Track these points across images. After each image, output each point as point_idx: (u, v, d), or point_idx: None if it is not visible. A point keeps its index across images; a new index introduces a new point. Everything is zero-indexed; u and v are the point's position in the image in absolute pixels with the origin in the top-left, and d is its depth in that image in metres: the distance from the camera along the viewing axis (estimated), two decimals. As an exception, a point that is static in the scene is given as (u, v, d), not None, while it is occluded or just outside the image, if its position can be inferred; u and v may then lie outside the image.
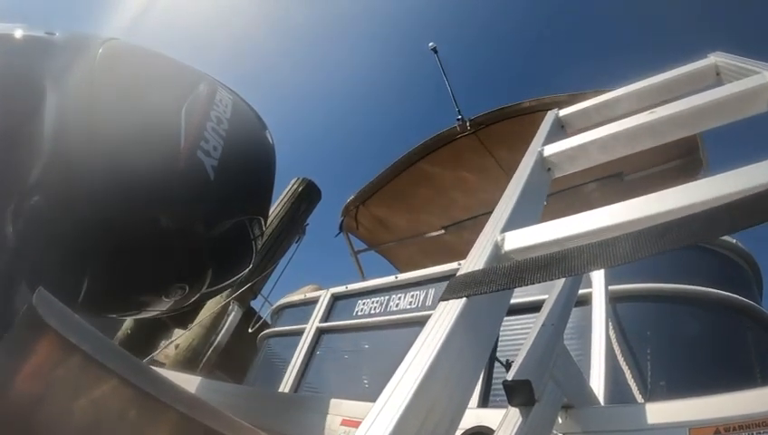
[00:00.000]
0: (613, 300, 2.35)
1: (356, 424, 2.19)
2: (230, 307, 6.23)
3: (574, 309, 1.67)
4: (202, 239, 2.26)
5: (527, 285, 0.82)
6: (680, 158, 4.09)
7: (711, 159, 4.01)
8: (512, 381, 1.12)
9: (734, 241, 2.77)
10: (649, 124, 1.28)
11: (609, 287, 2.35)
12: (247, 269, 2.76)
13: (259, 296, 6.54)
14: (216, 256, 2.42)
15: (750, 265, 2.78)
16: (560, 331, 1.36)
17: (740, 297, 2.46)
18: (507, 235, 1.01)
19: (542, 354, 1.22)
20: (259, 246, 2.69)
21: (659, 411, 1.41)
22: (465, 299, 0.84)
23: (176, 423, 1.53)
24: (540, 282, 0.82)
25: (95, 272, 1.99)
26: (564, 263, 0.79)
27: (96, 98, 1.94)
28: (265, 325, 4.90)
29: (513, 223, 1.08)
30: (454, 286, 0.88)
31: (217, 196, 2.19)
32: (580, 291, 2.12)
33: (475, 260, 0.96)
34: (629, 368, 2.10)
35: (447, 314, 0.82)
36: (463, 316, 0.81)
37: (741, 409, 1.29)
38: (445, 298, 0.86)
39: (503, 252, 0.99)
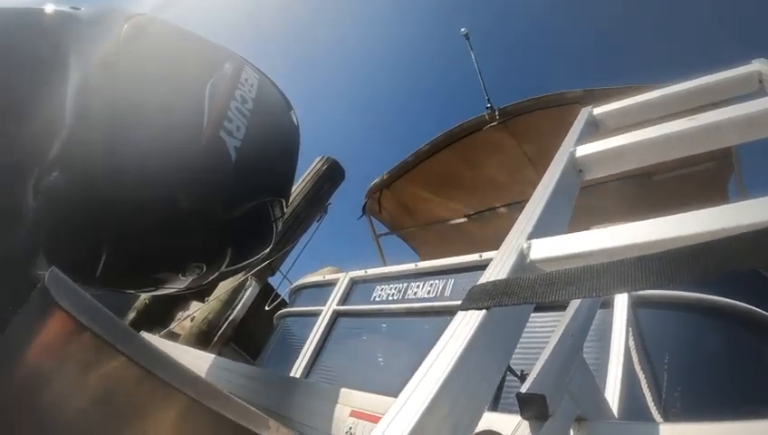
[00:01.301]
0: (635, 305, 2.29)
1: (364, 416, 2.18)
2: (247, 283, 6.27)
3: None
4: (222, 220, 2.24)
5: (552, 301, 0.78)
6: (711, 161, 3.98)
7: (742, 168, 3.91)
8: (525, 393, 1.09)
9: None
10: (690, 132, 1.22)
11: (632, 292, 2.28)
12: (267, 250, 2.75)
13: (277, 273, 6.58)
14: (236, 237, 2.41)
15: None
16: (580, 342, 1.32)
17: (764, 312, 2.38)
18: (534, 242, 0.97)
19: (560, 368, 1.18)
20: (279, 228, 2.67)
21: (672, 433, 1.36)
22: (485, 311, 0.80)
23: (184, 406, 1.51)
24: (566, 299, 0.78)
25: (113, 249, 1.98)
26: (595, 281, 0.75)
27: (120, 74, 1.93)
28: (282, 304, 4.93)
29: (541, 229, 1.03)
30: (475, 295, 0.84)
31: (239, 177, 2.16)
32: None
33: (498, 268, 0.91)
34: (647, 379, 2.04)
35: (467, 325, 0.78)
36: (482, 328, 0.78)
37: None
38: (464, 308, 0.82)
39: (528, 261, 0.95)
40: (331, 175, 6.74)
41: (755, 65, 1.44)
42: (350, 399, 2.32)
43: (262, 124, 2.31)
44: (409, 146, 5.19)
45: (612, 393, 1.96)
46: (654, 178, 4.24)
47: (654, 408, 1.97)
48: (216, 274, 2.50)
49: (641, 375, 2.06)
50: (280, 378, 3.35)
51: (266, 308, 5.10)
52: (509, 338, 0.89)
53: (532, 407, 1.08)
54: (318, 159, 6.88)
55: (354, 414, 2.21)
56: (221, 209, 2.20)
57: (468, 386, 0.74)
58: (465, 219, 5.56)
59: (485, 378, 0.80)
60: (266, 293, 5.97)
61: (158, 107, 1.97)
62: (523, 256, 0.94)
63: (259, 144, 2.26)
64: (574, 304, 1.40)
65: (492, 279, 0.87)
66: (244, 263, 2.70)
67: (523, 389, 1.10)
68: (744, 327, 2.39)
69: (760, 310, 2.36)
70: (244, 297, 6.27)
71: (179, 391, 1.49)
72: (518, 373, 1.79)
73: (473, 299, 0.83)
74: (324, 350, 3.59)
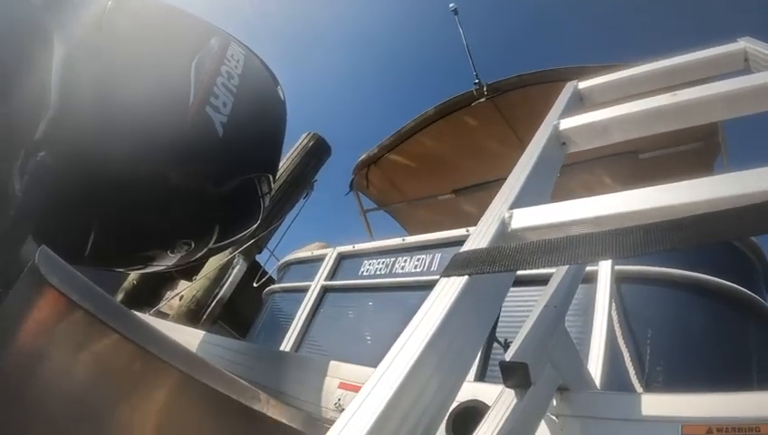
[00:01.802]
0: (618, 280, 2.33)
1: (353, 388, 2.22)
2: (235, 260, 6.27)
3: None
4: (209, 196, 2.24)
5: (532, 269, 0.80)
6: (698, 141, 4.03)
7: (729, 147, 3.95)
8: (509, 362, 1.11)
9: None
10: (672, 106, 1.24)
11: (616, 267, 2.33)
12: (254, 226, 2.75)
13: (265, 250, 6.59)
14: (224, 213, 2.41)
15: (759, 258, 2.75)
16: (562, 314, 1.34)
17: (747, 291, 2.44)
18: (516, 212, 0.99)
19: (542, 337, 1.21)
20: (267, 204, 2.67)
21: (654, 403, 1.40)
22: (467, 277, 0.82)
23: (176, 382, 1.54)
24: (546, 267, 0.80)
25: (101, 227, 1.99)
26: (573, 249, 0.77)
27: (104, 51, 1.91)
28: (270, 280, 4.95)
29: (523, 199, 1.06)
30: (457, 263, 0.87)
31: (226, 153, 2.16)
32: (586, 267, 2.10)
33: (480, 236, 0.94)
34: (629, 352, 2.09)
35: (449, 290, 0.80)
36: (464, 294, 0.80)
37: (735, 411, 1.28)
38: (447, 274, 0.85)
39: (509, 230, 0.97)
40: (317, 151, 6.72)
41: (741, 44, 1.45)
42: (339, 371, 2.35)
43: (248, 100, 2.30)
44: (397, 122, 5.18)
45: (595, 365, 2.00)
46: (640, 156, 4.26)
47: (636, 380, 2.01)
48: (204, 250, 2.51)
49: (624, 348, 2.10)
50: (269, 352, 3.38)
51: (254, 285, 5.12)
52: (490, 305, 0.92)
53: (514, 375, 1.11)
54: (304, 135, 6.86)
55: (343, 386, 2.24)
56: (209, 185, 2.20)
57: (452, 349, 0.76)
58: (453, 195, 5.58)
59: (468, 342, 0.83)
60: (254, 270, 5.96)
61: (143, 84, 1.95)
62: (504, 224, 0.97)
63: (246, 120, 2.25)
64: (557, 276, 1.43)
65: (474, 247, 0.89)
66: (232, 239, 2.70)
67: (507, 357, 1.12)
68: (724, 303, 2.45)
69: (740, 287, 2.41)
70: (232, 275, 6.28)
71: (172, 366, 1.51)
72: (502, 342, 1.82)
73: (455, 266, 0.85)
74: (313, 325, 3.62)
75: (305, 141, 6.75)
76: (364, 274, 3.61)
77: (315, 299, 3.73)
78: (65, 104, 1.79)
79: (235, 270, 6.24)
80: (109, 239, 2.07)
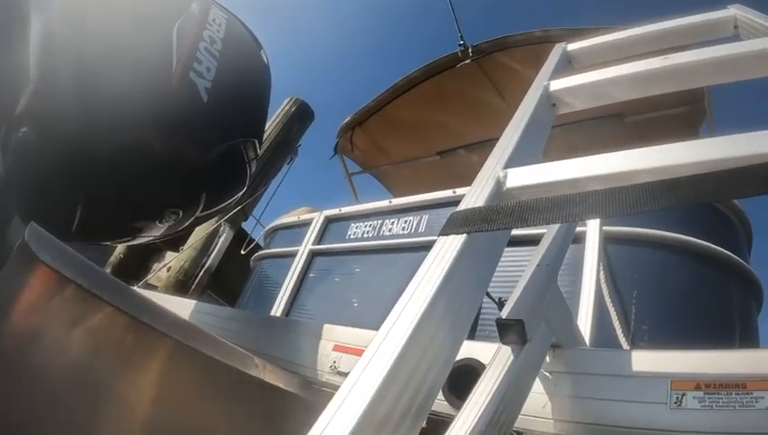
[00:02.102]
0: (606, 241, 2.37)
1: (347, 349, 2.24)
2: (221, 229, 6.25)
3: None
4: (196, 163, 2.23)
5: (529, 226, 0.82)
6: (684, 105, 4.02)
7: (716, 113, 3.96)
8: (505, 319, 1.13)
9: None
10: (663, 70, 1.25)
11: (604, 228, 2.36)
12: (241, 192, 2.75)
13: (251, 218, 6.57)
14: (210, 181, 2.40)
15: (742, 222, 2.80)
16: (554, 272, 1.37)
17: (731, 254, 2.49)
18: (510, 171, 1.00)
19: (536, 295, 1.23)
20: (253, 169, 2.66)
21: (644, 360, 1.44)
22: (465, 236, 0.83)
23: (172, 350, 1.55)
24: (544, 224, 0.81)
25: (87, 201, 1.97)
26: (569, 208, 0.78)
27: (83, 20, 1.88)
28: (257, 248, 4.93)
29: (516, 159, 1.07)
30: (455, 221, 0.88)
31: (211, 119, 2.14)
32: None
33: (476, 196, 0.95)
34: (616, 311, 2.13)
35: (448, 249, 0.82)
36: (462, 253, 0.81)
37: (722, 368, 1.33)
38: (445, 233, 0.86)
39: (504, 189, 0.99)
40: (300, 116, 6.67)
41: (731, 11, 1.46)
42: (333, 334, 2.38)
43: (232, 64, 2.28)
44: (381, 85, 5.13)
45: (584, 324, 2.04)
46: (626, 119, 4.26)
47: (623, 338, 2.06)
48: (192, 219, 2.50)
49: (611, 307, 2.15)
50: (261, 318, 3.40)
51: (242, 253, 5.10)
52: (487, 263, 0.94)
53: (511, 332, 1.13)
54: (286, 100, 6.79)
55: (337, 349, 2.27)
56: (195, 152, 2.19)
57: (452, 307, 0.78)
58: (438, 157, 5.56)
59: (467, 300, 0.84)
60: (240, 238, 5.95)
61: (124, 52, 1.93)
62: (499, 184, 0.98)
63: (230, 84, 2.23)
64: (548, 236, 1.45)
65: (470, 206, 0.90)
66: (220, 207, 2.70)
67: (503, 315, 1.14)
68: (707, 264, 2.51)
69: (723, 249, 2.46)
70: (219, 244, 6.27)
71: (167, 335, 1.52)
72: (497, 300, 1.85)
73: (453, 225, 0.86)
74: (302, 289, 3.63)
75: (288, 107, 6.68)
76: (351, 237, 3.61)
77: (303, 264, 3.73)
78: (46, 77, 1.76)
79: (222, 239, 6.23)
80: (96, 213, 2.06)
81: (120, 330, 1.46)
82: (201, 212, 2.50)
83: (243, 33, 2.54)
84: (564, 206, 0.78)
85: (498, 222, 0.84)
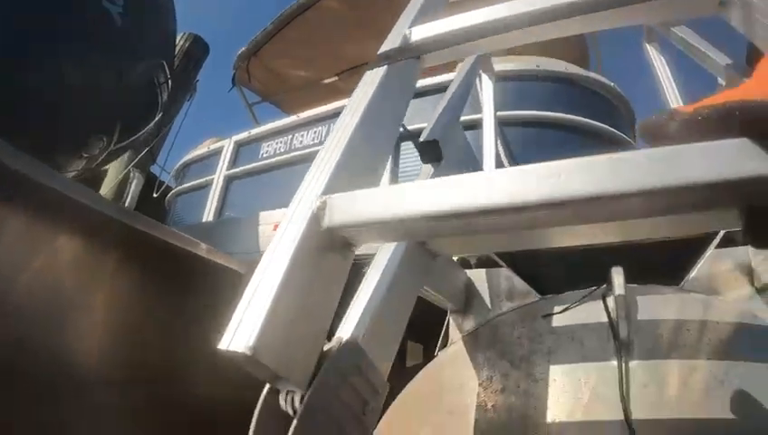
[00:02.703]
0: (501, 125, 2.61)
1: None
2: (131, 175, 6.14)
3: (467, 132, 1.92)
4: (111, 87, 2.31)
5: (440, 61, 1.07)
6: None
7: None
8: (423, 141, 1.36)
9: (612, 84, 3.18)
10: (551, 10, 1.03)
11: (498, 113, 2.57)
12: (154, 121, 2.82)
13: (157, 167, 6.47)
14: (125, 106, 2.48)
15: (624, 104, 3.23)
16: (459, 108, 1.61)
17: (614, 130, 2.90)
18: (414, 30, 1.16)
19: (448, 121, 1.47)
20: (165, 95, 2.74)
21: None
22: (385, 67, 1.05)
23: (118, 234, 1.68)
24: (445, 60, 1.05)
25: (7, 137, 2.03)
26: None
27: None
28: (169, 189, 4.93)
29: (420, 18, 1.22)
30: (378, 60, 1.09)
31: (124, 43, 2.22)
32: (472, 116, 2.41)
33: (385, 48, 1.15)
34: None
35: (374, 79, 1.03)
36: (383, 83, 1.02)
37: None
38: (370, 68, 1.08)
39: (410, 42, 1.14)
40: (196, 51, 6.51)
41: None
42: (272, 217, 2.56)
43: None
44: (276, 11, 5.10)
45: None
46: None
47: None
48: (112, 147, 2.58)
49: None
50: (194, 228, 3.55)
51: (154, 195, 5.05)
52: (402, 95, 1.13)
53: (429, 151, 1.36)
54: (179, 36, 6.61)
55: (278, 227, 2.42)
56: (110, 76, 2.27)
57: (373, 134, 0.97)
58: (336, 78, 5.63)
59: (389, 124, 1.06)
60: (151, 183, 5.88)
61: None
62: (406, 38, 1.16)
63: (139, 9, 2.30)
64: (455, 81, 1.67)
65: (388, 47, 1.12)
66: (135, 137, 2.77)
67: (422, 138, 1.38)
68: (594, 139, 2.90)
69: (608, 126, 2.88)
70: (131, 190, 6.16)
71: (113, 218, 1.64)
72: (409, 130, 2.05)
73: (377, 61, 1.08)
74: (223, 216, 3.74)
75: (182, 42, 6.51)
76: (264, 156, 3.74)
77: (221, 190, 3.84)
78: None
79: (134, 184, 6.12)
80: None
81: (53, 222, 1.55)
82: (116, 144, 2.58)
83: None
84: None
85: (409, 53, 1.07)
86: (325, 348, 0.79)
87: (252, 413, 0.75)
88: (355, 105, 0.98)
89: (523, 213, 0.62)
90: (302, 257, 0.72)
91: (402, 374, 1.59)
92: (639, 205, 0.59)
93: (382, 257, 1.03)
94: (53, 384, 1.55)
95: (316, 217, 0.75)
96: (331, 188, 0.80)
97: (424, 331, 1.89)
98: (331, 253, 0.78)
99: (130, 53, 2.30)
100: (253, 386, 0.76)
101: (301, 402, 0.74)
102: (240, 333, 0.64)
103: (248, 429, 0.75)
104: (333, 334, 0.86)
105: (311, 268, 0.73)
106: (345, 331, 0.88)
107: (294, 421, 0.72)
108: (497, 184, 0.64)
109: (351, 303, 0.93)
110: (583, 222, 0.68)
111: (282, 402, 0.77)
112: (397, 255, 1.04)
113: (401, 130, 1.56)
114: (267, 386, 0.78)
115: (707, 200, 0.58)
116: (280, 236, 0.75)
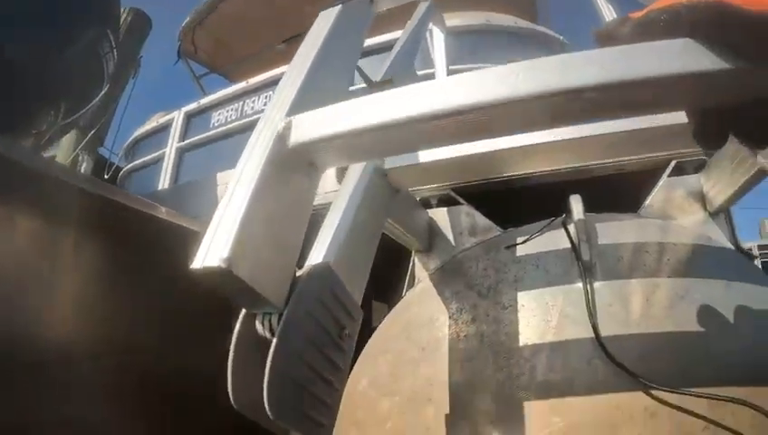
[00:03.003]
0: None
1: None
2: (80, 159, 6.01)
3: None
4: (53, 58, 2.25)
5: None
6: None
7: None
8: (379, 81, 1.39)
9: (561, 37, 3.31)
10: None
11: (450, 67, 2.59)
12: (102, 93, 2.76)
13: (104, 150, 6.33)
14: (71, 76, 2.43)
15: None
16: (412, 54, 1.63)
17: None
18: None
19: (401, 64, 1.50)
20: (111, 65, 2.69)
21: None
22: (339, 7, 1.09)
23: (77, 199, 1.65)
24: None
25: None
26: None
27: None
28: (120, 170, 4.83)
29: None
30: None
31: (66, 9, 2.16)
32: (426, 71, 2.50)
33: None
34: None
35: (328, 19, 1.08)
36: (338, 21, 1.07)
37: None
38: (324, 8, 1.12)
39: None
40: (138, 26, 6.34)
41: None
42: (228, 177, 2.50)
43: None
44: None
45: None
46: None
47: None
48: (55, 127, 2.53)
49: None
50: (151, 194, 3.47)
51: (105, 177, 4.97)
52: (357, 34, 1.18)
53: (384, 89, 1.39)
54: (120, 11, 6.42)
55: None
56: (54, 47, 2.21)
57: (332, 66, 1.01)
58: (284, 45, 5.57)
59: (346, 61, 1.10)
60: (100, 165, 5.76)
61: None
62: None
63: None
64: (407, 30, 1.69)
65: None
66: (84, 110, 2.72)
67: (381, 78, 1.41)
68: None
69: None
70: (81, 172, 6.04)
71: (71, 184, 1.63)
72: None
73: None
74: (177, 189, 3.67)
75: (123, 16, 6.33)
76: (216, 124, 3.68)
77: (174, 164, 3.76)
78: None
79: (84, 167, 5.99)
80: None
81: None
82: (62, 119, 2.53)
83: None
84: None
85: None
86: (298, 274, 0.81)
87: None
88: (312, 39, 1.03)
89: (480, 113, 0.64)
90: (270, 176, 0.73)
91: (369, 336, 1.63)
92: (593, 101, 0.61)
93: (346, 190, 1.06)
94: (13, 358, 1.54)
95: (281, 138, 0.76)
96: (294, 111, 0.80)
97: (389, 288, 1.93)
98: (298, 174, 0.80)
99: (73, 21, 2.23)
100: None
101: (278, 323, 0.76)
102: (213, 248, 0.66)
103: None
104: (304, 263, 0.88)
105: (279, 186, 0.75)
106: (315, 257, 0.90)
107: (274, 340, 0.73)
108: (454, 87, 0.66)
109: (320, 231, 0.95)
110: (538, 123, 0.72)
111: (259, 326, 0.78)
112: (360, 187, 1.07)
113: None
114: (242, 313, 0.79)
115: (657, 98, 0.62)
116: (247, 157, 0.76)
